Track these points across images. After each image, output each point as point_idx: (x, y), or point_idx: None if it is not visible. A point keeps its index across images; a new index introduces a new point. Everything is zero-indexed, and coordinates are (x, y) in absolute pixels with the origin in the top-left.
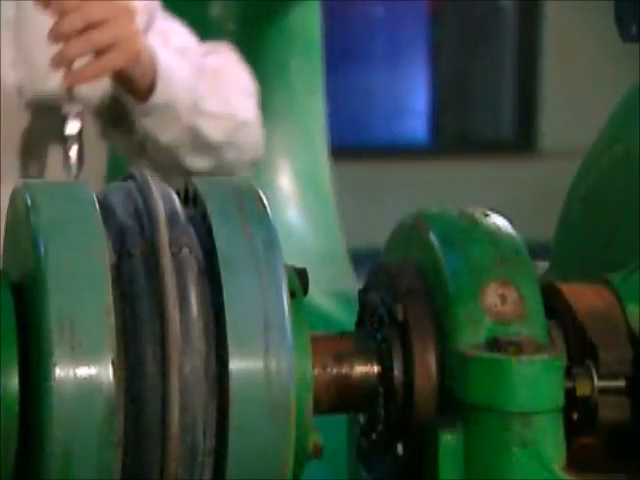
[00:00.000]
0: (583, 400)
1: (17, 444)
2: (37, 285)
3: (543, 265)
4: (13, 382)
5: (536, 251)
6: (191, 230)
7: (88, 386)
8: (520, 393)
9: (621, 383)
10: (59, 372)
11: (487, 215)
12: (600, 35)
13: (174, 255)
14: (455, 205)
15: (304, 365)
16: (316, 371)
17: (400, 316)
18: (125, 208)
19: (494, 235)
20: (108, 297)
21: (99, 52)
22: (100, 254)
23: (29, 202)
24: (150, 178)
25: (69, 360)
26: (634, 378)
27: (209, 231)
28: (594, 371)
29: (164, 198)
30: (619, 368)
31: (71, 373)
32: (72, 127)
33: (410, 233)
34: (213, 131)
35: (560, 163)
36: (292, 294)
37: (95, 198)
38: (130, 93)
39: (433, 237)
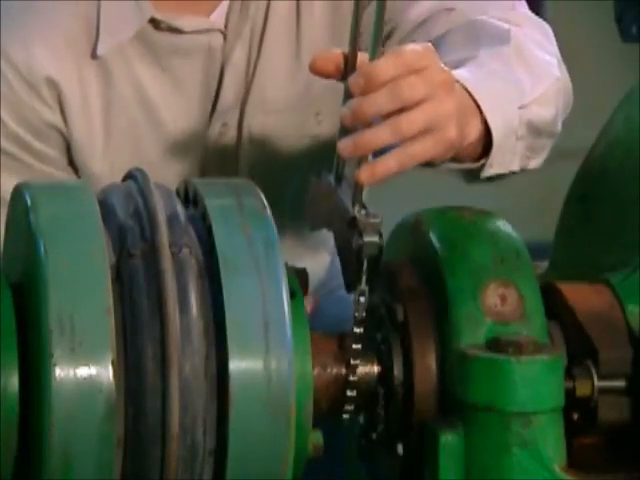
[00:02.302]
0: (583, 400)
1: (17, 444)
2: (37, 285)
3: (543, 265)
4: (13, 382)
5: (536, 251)
6: (191, 230)
7: (88, 386)
8: (520, 393)
9: (621, 383)
10: (59, 372)
11: (487, 215)
12: (600, 35)
13: (174, 255)
14: (455, 205)
15: (304, 365)
16: (316, 371)
17: (400, 316)
18: (125, 208)
19: (494, 235)
20: (108, 297)
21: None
22: (100, 254)
23: (29, 202)
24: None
25: (69, 360)
26: (634, 378)
27: (209, 231)
28: (594, 371)
29: (164, 198)
30: (619, 368)
31: (71, 373)
32: (372, 246)
33: (410, 233)
34: (544, 113)
35: (560, 163)
36: (292, 294)
37: (95, 198)
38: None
39: (433, 237)
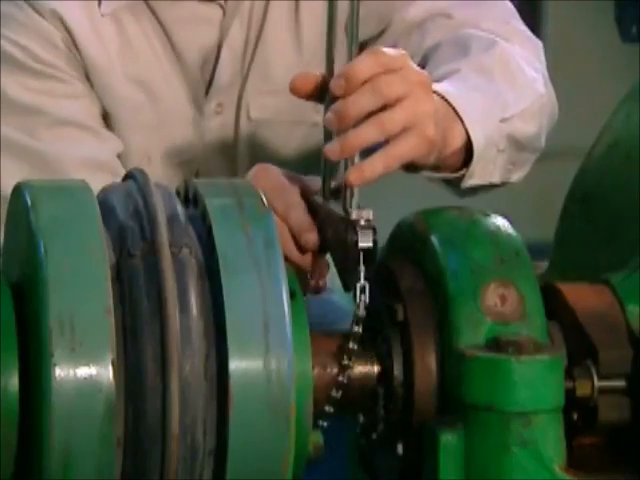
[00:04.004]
0: (583, 400)
1: (17, 444)
2: (37, 285)
3: (543, 265)
4: (13, 382)
5: (536, 251)
6: (191, 230)
7: (88, 386)
8: (520, 393)
9: (621, 383)
10: (59, 372)
11: (487, 215)
12: (600, 35)
13: (174, 255)
14: (455, 205)
15: (304, 365)
16: (316, 371)
17: (400, 316)
18: (125, 208)
19: (494, 235)
20: (108, 297)
21: (387, 139)
22: (100, 254)
23: (29, 202)
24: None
25: (69, 360)
26: (634, 378)
27: (209, 231)
28: (594, 371)
29: (164, 198)
30: (619, 368)
31: (71, 373)
32: (366, 238)
33: (410, 233)
34: (527, 127)
35: (560, 163)
36: (292, 294)
37: (95, 198)
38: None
39: (433, 237)
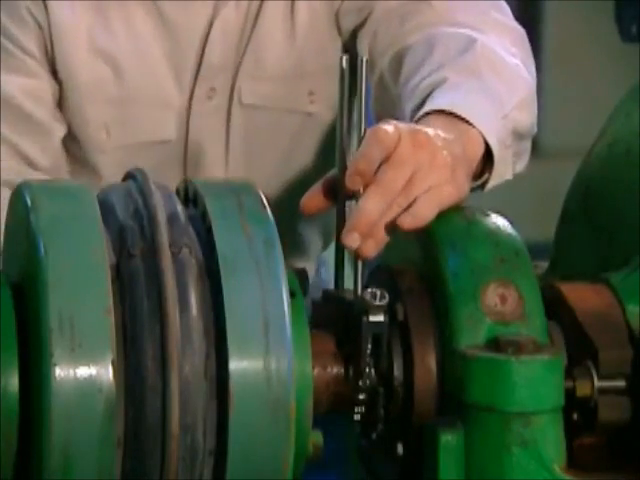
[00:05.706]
0: (583, 400)
1: (17, 444)
2: (37, 285)
3: (543, 265)
4: (13, 382)
5: (536, 251)
6: (191, 230)
7: (88, 386)
8: (520, 393)
9: (621, 383)
10: (59, 372)
11: (487, 215)
12: (600, 35)
13: (174, 255)
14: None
15: (304, 365)
16: (316, 371)
17: (400, 316)
18: (125, 208)
19: (494, 235)
20: (108, 297)
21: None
22: (100, 254)
23: (29, 202)
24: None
25: (69, 360)
26: (634, 378)
27: (209, 231)
28: (594, 371)
29: (164, 198)
30: (619, 368)
31: (71, 373)
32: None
33: (410, 233)
34: (525, 118)
35: (560, 163)
36: (292, 294)
37: (95, 198)
38: None
39: (433, 237)
